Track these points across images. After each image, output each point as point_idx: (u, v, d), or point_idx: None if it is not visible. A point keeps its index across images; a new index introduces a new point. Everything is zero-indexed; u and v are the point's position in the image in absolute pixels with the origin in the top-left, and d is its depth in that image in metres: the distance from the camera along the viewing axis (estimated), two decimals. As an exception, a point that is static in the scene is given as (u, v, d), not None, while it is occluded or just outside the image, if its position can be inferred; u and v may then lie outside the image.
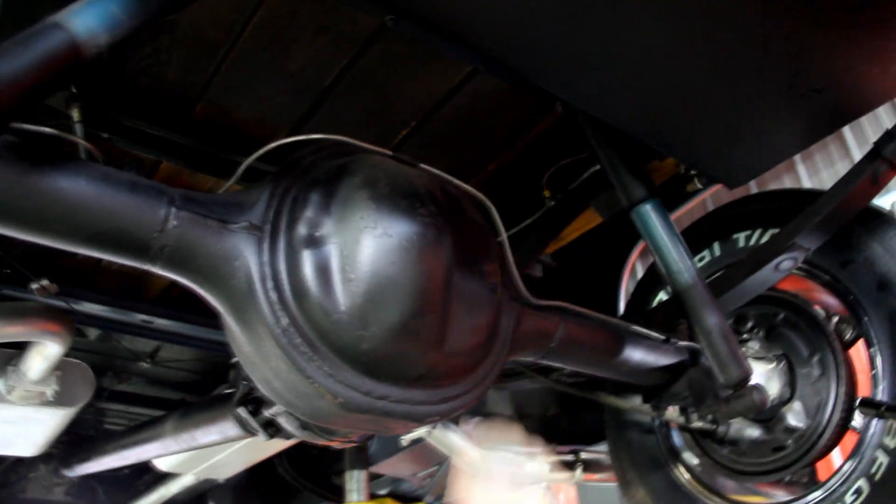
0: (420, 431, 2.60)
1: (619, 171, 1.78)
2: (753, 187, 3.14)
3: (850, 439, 1.83)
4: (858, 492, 1.70)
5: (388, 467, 3.25)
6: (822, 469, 2.02)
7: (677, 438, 2.15)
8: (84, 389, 2.24)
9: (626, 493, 2.23)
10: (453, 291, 1.37)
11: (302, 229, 1.28)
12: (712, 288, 1.78)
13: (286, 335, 1.22)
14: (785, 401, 1.90)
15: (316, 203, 1.30)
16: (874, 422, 1.73)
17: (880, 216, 1.85)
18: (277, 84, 1.69)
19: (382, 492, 3.67)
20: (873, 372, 1.78)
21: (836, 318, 1.95)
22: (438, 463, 3.23)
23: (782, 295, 1.99)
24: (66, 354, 1.95)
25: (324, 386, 1.24)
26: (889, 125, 1.73)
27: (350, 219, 1.28)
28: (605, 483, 2.87)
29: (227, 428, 1.90)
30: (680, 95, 1.54)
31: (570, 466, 2.77)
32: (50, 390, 2.14)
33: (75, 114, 1.47)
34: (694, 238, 2.06)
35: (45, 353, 1.93)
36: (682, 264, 1.74)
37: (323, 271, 1.25)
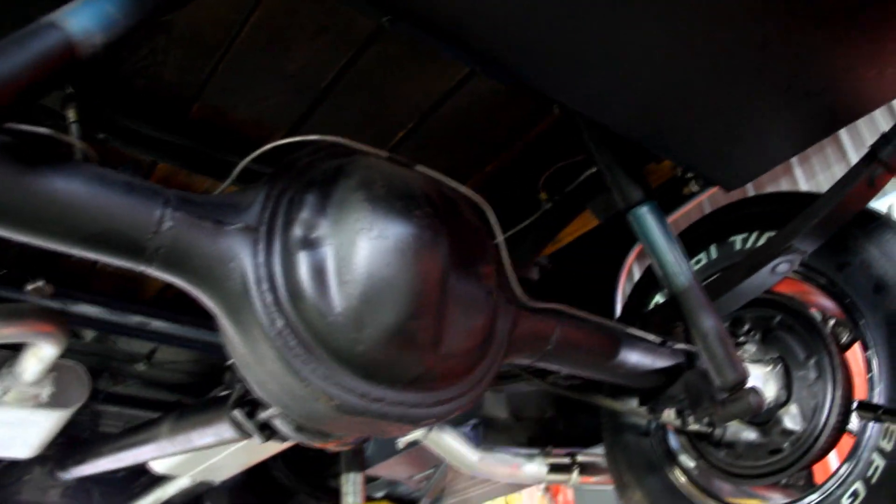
0: (416, 434, 2.60)
1: (615, 173, 1.77)
2: (750, 190, 3.15)
3: (846, 442, 1.83)
4: (855, 495, 1.70)
5: (384, 470, 3.24)
6: (818, 472, 2.02)
7: (674, 441, 2.15)
8: (79, 391, 2.23)
9: (623, 496, 2.22)
10: (449, 294, 1.36)
11: (298, 231, 1.27)
12: (709, 291, 1.78)
13: (281, 337, 1.22)
14: (781, 404, 1.90)
15: (312, 204, 1.30)
16: (870, 425, 1.73)
17: (877, 219, 1.84)
18: (274, 85, 1.68)
19: (379, 494, 3.67)
20: (870, 375, 1.78)
21: (832, 321, 1.95)
22: (435, 465, 3.22)
23: (779, 298, 1.99)
24: (62, 356, 1.94)
25: (319, 388, 1.23)
26: (886, 128, 1.73)
27: (346, 220, 1.27)
28: (602, 486, 2.87)
29: (223, 430, 1.90)
30: (679, 96, 1.54)
31: (566, 469, 2.76)
32: (45, 392, 2.13)
33: (71, 114, 1.46)
34: (690, 241, 2.06)
35: (40, 354, 1.93)
36: (679, 267, 1.74)
37: (318, 273, 1.25)
